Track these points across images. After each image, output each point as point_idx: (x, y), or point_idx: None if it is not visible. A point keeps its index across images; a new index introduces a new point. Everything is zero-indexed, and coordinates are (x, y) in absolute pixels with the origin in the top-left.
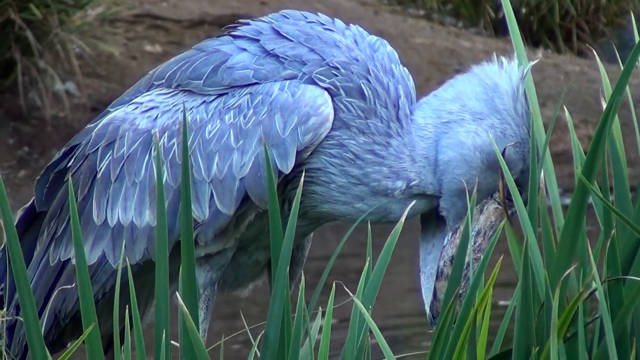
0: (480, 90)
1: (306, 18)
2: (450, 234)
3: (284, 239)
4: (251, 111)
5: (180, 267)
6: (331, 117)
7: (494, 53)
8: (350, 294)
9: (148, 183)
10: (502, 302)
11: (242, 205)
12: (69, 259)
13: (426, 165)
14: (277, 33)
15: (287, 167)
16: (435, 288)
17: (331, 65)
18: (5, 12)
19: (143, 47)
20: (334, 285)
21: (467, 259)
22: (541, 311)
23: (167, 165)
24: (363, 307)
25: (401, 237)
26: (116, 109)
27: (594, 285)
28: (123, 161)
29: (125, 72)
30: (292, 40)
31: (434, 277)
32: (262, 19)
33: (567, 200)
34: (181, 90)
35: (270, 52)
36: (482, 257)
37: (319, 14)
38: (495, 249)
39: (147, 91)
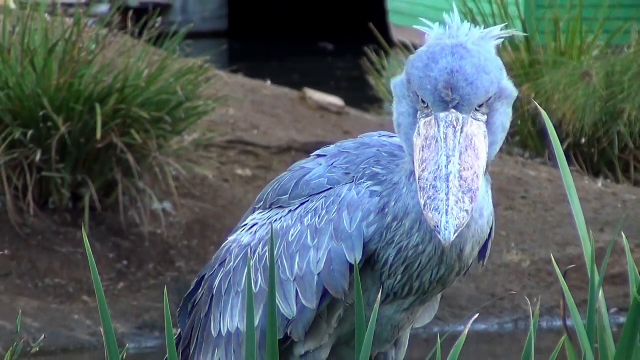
0: None
1: (380, 134)
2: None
3: (368, 325)
4: (324, 211)
5: None
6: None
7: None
8: None
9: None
10: None
11: (324, 299)
12: None
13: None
14: (338, 150)
15: (355, 259)
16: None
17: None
18: (108, 136)
19: (234, 171)
20: None
21: (427, 175)
22: None
23: (260, 271)
24: None
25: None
26: (231, 235)
27: None
28: (230, 275)
29: (217, 193)
30: (348, 152)
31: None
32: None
33: (622, 319)
34: (275, 208)
35: (331, 165)
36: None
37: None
38: None
39: (251, 214)
